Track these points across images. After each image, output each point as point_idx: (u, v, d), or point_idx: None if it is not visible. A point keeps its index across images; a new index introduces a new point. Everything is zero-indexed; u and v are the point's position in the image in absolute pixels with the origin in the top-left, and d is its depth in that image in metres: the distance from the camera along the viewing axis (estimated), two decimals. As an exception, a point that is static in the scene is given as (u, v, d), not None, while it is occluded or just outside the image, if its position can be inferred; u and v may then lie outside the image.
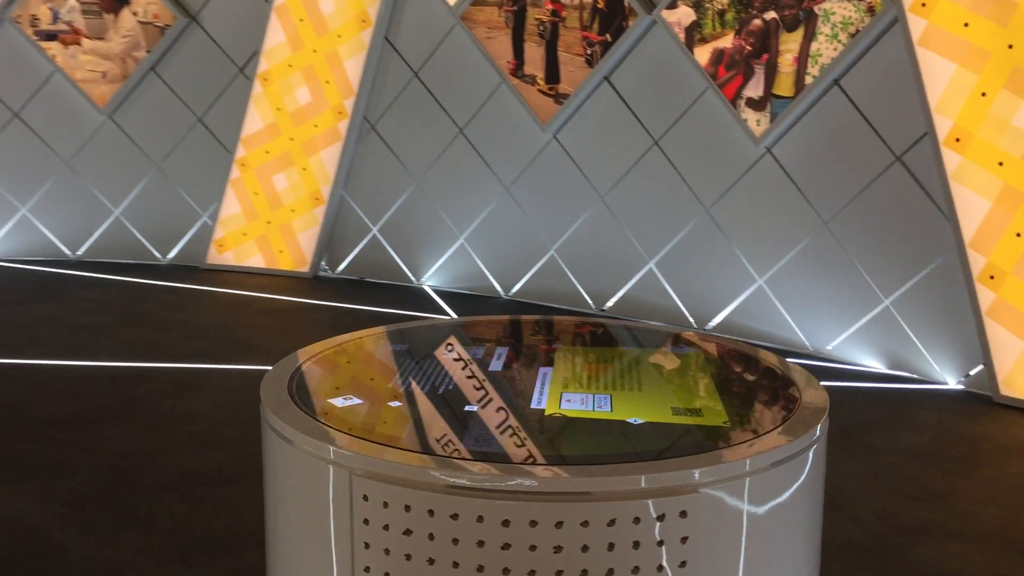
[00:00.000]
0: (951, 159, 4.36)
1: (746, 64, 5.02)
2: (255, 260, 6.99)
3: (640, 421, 1.72)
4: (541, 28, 5.76)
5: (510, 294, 6.28)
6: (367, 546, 1.56)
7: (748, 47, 4.99)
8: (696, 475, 1.50)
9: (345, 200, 6.75)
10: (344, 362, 2.13)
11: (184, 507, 3.11)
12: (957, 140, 4.33)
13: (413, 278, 6.63)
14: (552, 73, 5.76)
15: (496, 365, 2.07)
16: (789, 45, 4.86)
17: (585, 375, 1.99)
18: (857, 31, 4.60)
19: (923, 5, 4.37)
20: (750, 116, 5.04)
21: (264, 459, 1.84)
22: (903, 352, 4.74)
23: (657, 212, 5.56)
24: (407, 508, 1.51)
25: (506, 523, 1.46)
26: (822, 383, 1.95)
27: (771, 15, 4.89)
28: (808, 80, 4.81)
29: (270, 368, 2.03)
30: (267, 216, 6.88)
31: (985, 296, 4.32)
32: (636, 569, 1.48)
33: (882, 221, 4.72)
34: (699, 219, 5.40)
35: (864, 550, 2.93)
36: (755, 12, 4.94)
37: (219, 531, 2.96)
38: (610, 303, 5.88)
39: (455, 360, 2.10)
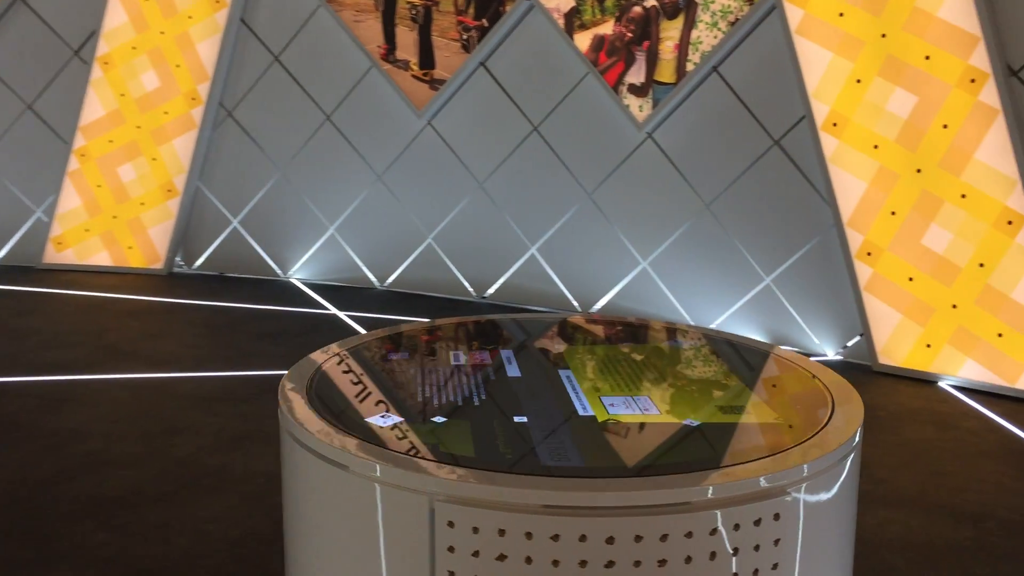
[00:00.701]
0: (829, 143, 4.59)
1: (627, 51, 5.09)
2: (100, 258, 6.52)
3: (696, 423, 1.71)
4: (413, 12, 5.63)
5: (385, 284, 6.14)
6: (451, 575, 1.47)
7: (629, 34, 5.06)
8: (785, 476, 1.50)
9: (201, 191, 6.40)
10: (351, 374, 2.00)
11: (110, 535, 2.86)
12: (834, 124, 4.56)
13: (280, 271, 6.37)
14: (426, 58, 5.65)
15: (512, 370, 2.00)
16: (670, 32, 4.96)
17: (609, 376, 1.95)
18: (736, 19, 4.76)
19: (800, -5, 4.57)
20: (632, 102, 5.12)
21: (295, 487, 1.70)
22: (784, 327, 4.97)
23: (539, 198, 5.57)
24: (501, 532, 1.43)
25: (610, 540, 1.42)
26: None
27: (651, 3, 4.97)
28: (689, 67, 4.93)
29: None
30: (113, 210, 6.42)
31: (863, 272, 4.59)
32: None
33: (762, 203, 4.92)
34: (581, 204, 5.45)
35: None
36: (635, 0, 5.01)
37: (159, 559, 2.74)
38: (491, 290, 5.85)
39: (469, 366, 2.02)
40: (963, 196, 4.26)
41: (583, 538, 1.42)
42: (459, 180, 5.77)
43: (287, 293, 6.03)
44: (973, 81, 4.17)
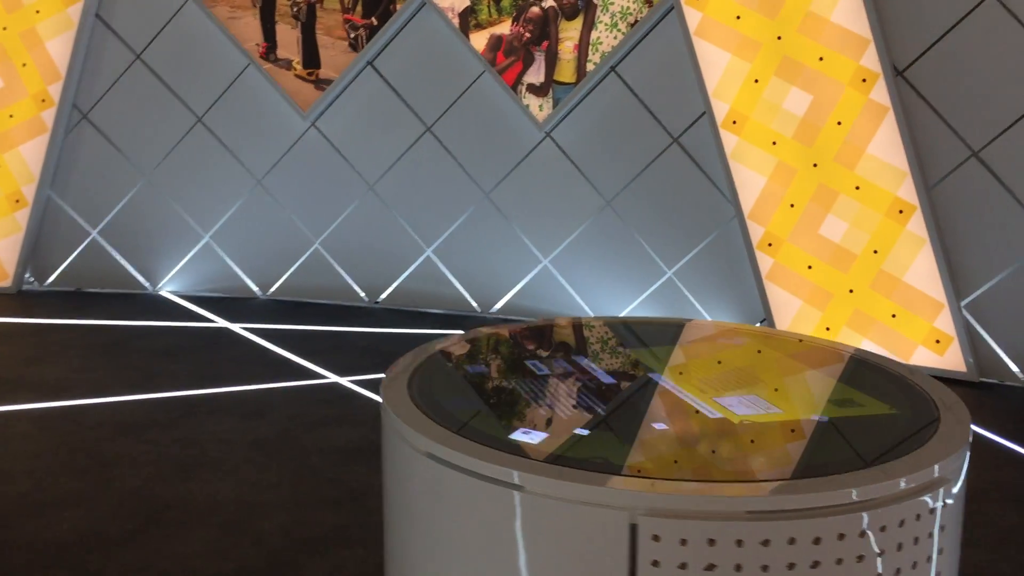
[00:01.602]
0: (729, 140, 4.80)
1: (526, 51, 5.12)
2: (-65, 277, 5.91)
3: (826, 418, 1.76)
4: (295, 10, 5.42)
5: (268, 293, 5.89)
6: (655, 589, 1.45)
7: (527, 34, 5.09)
8: (939, 466, 1.57)
9: (53, 201, 5.91)
10: (450, 390, 1.92)
11: (88, 583, 2.61)
12: (734, 122, 4.77)
13: (148, 284, 5.98)
14: (311, 57, 5.46)
15: (606, 378, 1.98)
16: (569, 33, 5.03)
17: (700, 377, 1.97)
18: (636, 21, 4.88)
19: (698, -2, 4.75)
20: (532, 102, 5.16)
21: (445, 516, 1.62)
22: (687, 316, 5.16)
23: (434, 199, 5.51)
24: (711, 542, 1.42)
25: (817, 541, 1.44)
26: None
27: (550, 4, 5.02)
28: (590, 67, 5.02)
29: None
30: (-51, 224, 5.83)
31: (765, 262, 4.83)
32: (914, 565, 1.53)
33: (662, 199, 5.08)
34: (479, 204, 5.43)
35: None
36: (533, 0, 5.04)
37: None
38: (384, 294, 5.74)
39: (560, 375, 1.98)
40: (857, 188, 4.57)
41: (792, 541, 1.43)
42: (348, 183, 5.62)
43: (162, 307, 5.67)
44: (864, 81, 4.48)
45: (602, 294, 5.31)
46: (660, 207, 5.09)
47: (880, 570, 1.47)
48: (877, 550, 1.46)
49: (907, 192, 4.48)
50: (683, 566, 1.44)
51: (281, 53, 5.50)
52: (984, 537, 2.97)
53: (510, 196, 5.37)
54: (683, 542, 1.43)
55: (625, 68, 4.99)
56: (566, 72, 5.07)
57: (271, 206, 5.76)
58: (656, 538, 1.43)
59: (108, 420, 3.83)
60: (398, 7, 5.26)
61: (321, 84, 5.47)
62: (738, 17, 4.68)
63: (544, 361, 2.09)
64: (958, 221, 4.47)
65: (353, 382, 4.37)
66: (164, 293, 5.96)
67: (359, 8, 5.33)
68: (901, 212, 4.51)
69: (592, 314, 5.35)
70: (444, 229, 5.54)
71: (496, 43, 5.15)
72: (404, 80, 5.41)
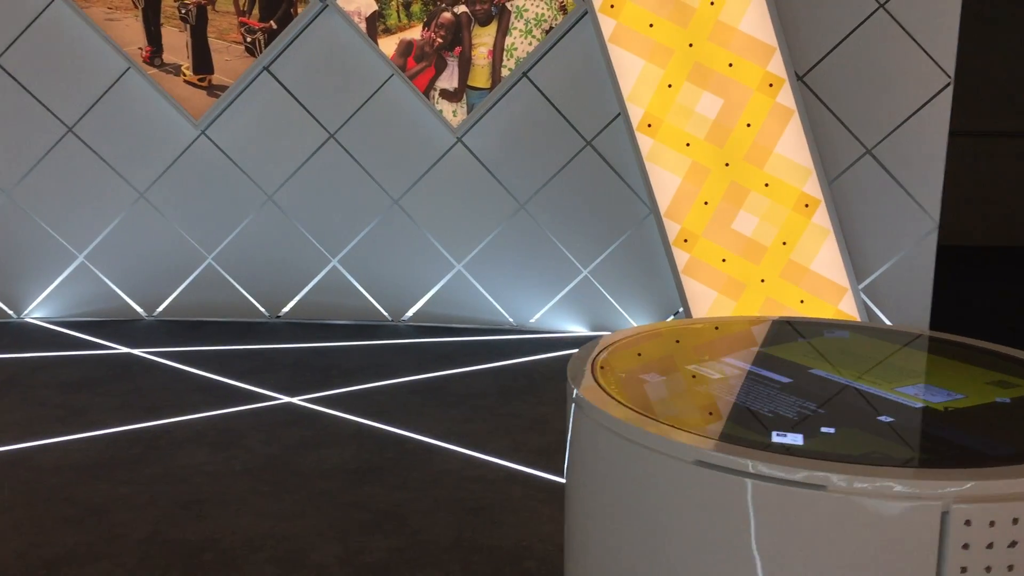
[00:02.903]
0: (645, 142, 5.01)
1: (438, 56, 5.09)
2: None
3: (1007, 399, 1.95)
4: (183, 12, 5.11)
5: (155, 314, 5.52)
6: (963, 570, 1.57)
7: (439, 40, 5.07)
8: None
9: None
10: (664, 403, 1.95)
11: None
12: (649, 126, 4.99)
13: (11, 312, 5.43)
14: (202, 62, 5.16)
15: (780, 377, 2.08)
16: (483, 39, 5.06)
17: (863, 370, 2.11)
18: (551, 28, 4.99)
19: (612, 7, 4.91)
20: (445, 107, 5.14)
21: (734, 524, 1.67)
22: (604, 315, 5.34)
23: (339, 208, 5.37)
24: (1015, 521, 1.56)
25: (1091, 510, 1.61)
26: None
27: (462, 9, 5.02)
28: (505, 73, 5.07)
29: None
30: None
31: (681, 257, 5.09)
32: None
33: (577, 201, 5.22)
34: (388, 212, 5.35)
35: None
36: (444, 5, 5.03)
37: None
38: (287, 308, 5.53)
39: (748, 379, 2.06)
40: (766, 185, 4.91)
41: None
42: (244, 193, 5.36)
43: (33, 336, 5.18)
44: (771, 85, 4.82)
45: (518, 297, 5.38)
46: (574, 209, 5.23)
47: None
48: None
49: (812, 188, 4.87)
50: (990, 546, 1.57)
51: (167, 57, 5.16)
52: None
53: (421, 202, 5.33)
54: (991, 524, 1.56)
55: (539, 73, 5.08)
56: (480, 78, 5.10)
57: (157, 221, 5.39)
58: (968, 523, 1.56)
59: (63, 463, 3.49)
60: (299, 10, 5.08)
61: (214, 91, 5.18)
62: (651, 25, 4.90)
63: (707, 365, 2.16)
64: (856, 212, 4.92)
65: (307, 401, 4.20)
66: (31, 320, 5.44)
67: (255, 11, 5.10)
68: (807, 206, 4.90)
69: (510, 319, 5.41)
70: (351, 238, 5.41)
71: (407, 48, 5.10)
72: (305, 86, 5.23)
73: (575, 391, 1.97)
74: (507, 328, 5.42)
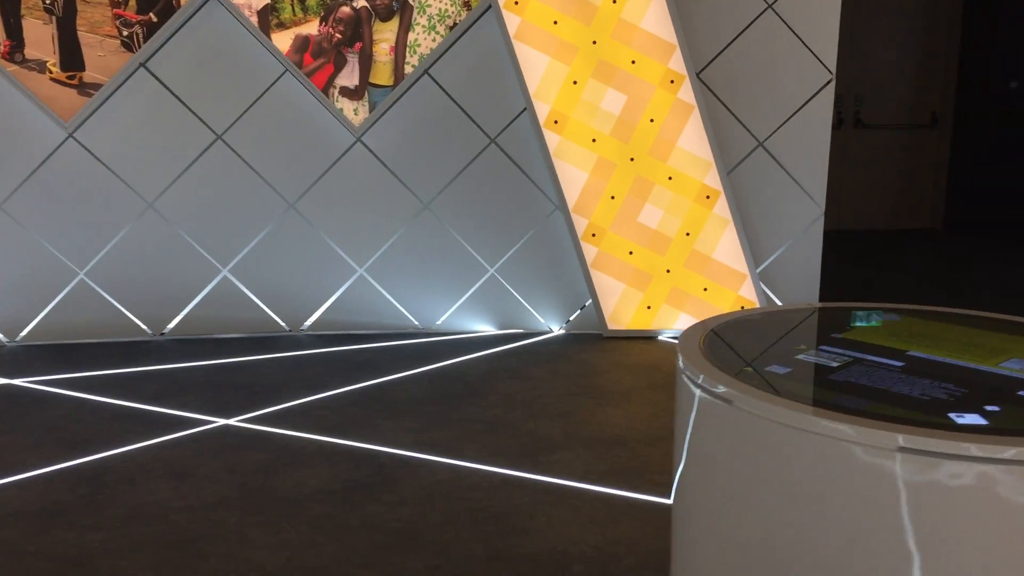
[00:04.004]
0: (552, 139, 5.03)
1: (337, 52, 4.88)
2: None
3: (1108, 368, 2.12)
4: (48, 2, 4.60)
5: (18, 339, 4.95)
6: None
7: (338, 35, 4.85)
8: None
9: None
10: (817, 394, 1.97)
11: None
12: (556, 122, 5.01)
13: None
14: (71, 58, 4.68)
15: (892, 361, 2.16)
16: (385, 35, 4.89)
17: (955, 350, 2.23)
18: (455, 24, 4.90)
19: (516, 3, 4.89)
20: (346, 105, 4.93)
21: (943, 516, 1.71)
22: (511, 312, 5.31)
23: (229, 214, 5.03)
24: None
25: None
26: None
27: (361, 4, 4.84)
28: (408, 70, 4.93)
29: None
30: None
31: (589, 251, 5.15)
32: None
33: (482, 199, 5.16)
34: (283, 217, 5.07)
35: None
36: (343, 0, 4.83)
37: None
38: (172, 324, 5.12)
39: (866, 364, 2.12)
40: (670, 178, 5.07)
41: None
42: (120, 202, 4.92)
43: None
44: (672, 82, 4.98)
45: (423, 298, 5.26)
46: (479, 207, 5.18)
47: None
48: None
49: (712, 180, 5.08)
50: None
51: (30, 52, 4.63)
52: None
53: (319, 205, 5.09)
54: None
55: (442, 70, 4.98)
56: (382, 75, 4.93)
57: (16, 234, 4.84)
58: None
59: (6, 512, 3.07)
60: (182, 2, 4.71)
61: (86, 89, 4.71)
62: (555, 22, 4.92)
63: (810, 353, 2.20)
64: (751, 202, 5.17)
65: (246, 421, 3.92)
66: None
67: (132, 2, 4.67)
68: (708, 197, 5.10)
69: (416, 322, 5.28)
70: (242, 246, 5.09)
71: (303, 44, 4.84)
72: (188, 84, 4.86)
73: (732, 393, 1.95)
74: (413, 332, 5.28)
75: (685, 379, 2.13)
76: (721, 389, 1.98)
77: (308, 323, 5.23)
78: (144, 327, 5.09)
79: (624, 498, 3.22)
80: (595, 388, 4.39)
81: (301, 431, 3.81)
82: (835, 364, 2.15)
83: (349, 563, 2.77)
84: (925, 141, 9.08)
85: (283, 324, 5.22)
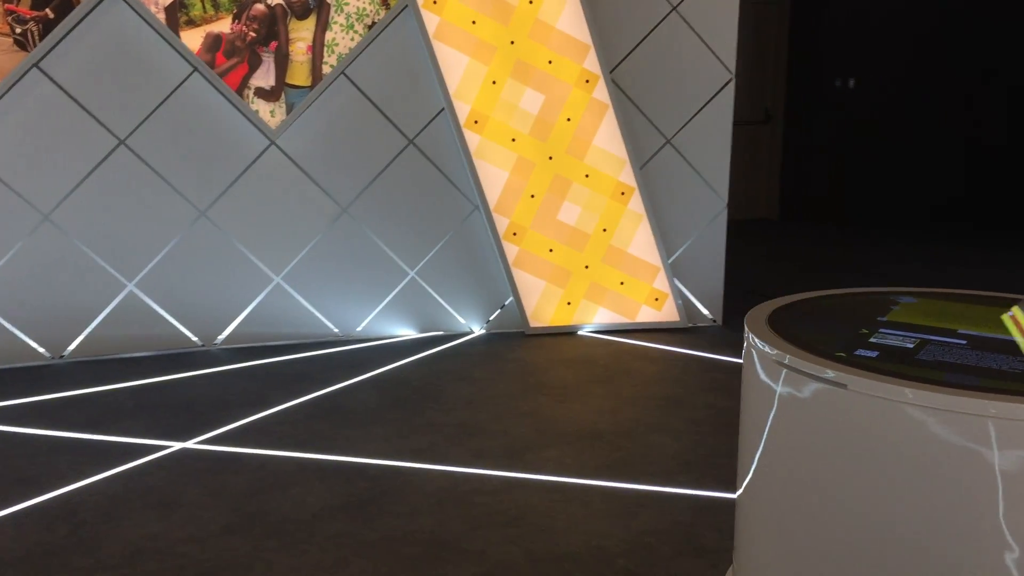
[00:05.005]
0: (472, 139, 5.02)
1: (251, 52, 4.66)
2: None
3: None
4: (-73, -5, 4.15)
5: None
6: None
7: (252, 34, 4.64)
8: None
9: None
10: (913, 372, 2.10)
11: None
12: (476, 122, 5.01)
13: None
14: (-45, 58, 4.23)
15: (950, 340, 2.33)
16: (301, 33, 4.72)
17: (983, 326, 2.43)
18: (374, 23, 4.79)
19: (434, 3, 4.85)
20: (262, 107, 4.72)
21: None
22: (431, 315, 5.26)
23: (134, 224, 4.71)
24: None
25: None
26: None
27: (276, 1, 4.64)
28: (326, 70, 4.78)
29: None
30: None
31: (511, 250, 5.18)
32: None
33: (400, 201, 5.08)
34: (193, 225, 4.80)
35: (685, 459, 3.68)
36: (257, -4, 4.61)
37: None
38: (72, 346, 4.73)
39: (936, 344, 2.27)
40: (587, 176, 5.18)
41: None
42: (13, 214, 4.51)
43: None
44: (588, 82, 5.08)
45: (343, 305, 5.12)
46: (398, 210, 5.09)
47: None
48: None
49: (627, 176, 5.22)
50: None
51: (-93, 52, 4.16)
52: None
53: (232, 213, 4.85)
54: None
55: (360, 71, 4.86)
56: (300, 75, 4.76)
57: None
58: None
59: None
60: (82, -2, 4.37)
61: (-27, 92, 4.28)
62: (474, 22, 4.91)
63: (878, 335, 2.34)
64: (661, 197, 5.36)
65: (206, 443, 3.69)
66: None
67: (26, -3, 4.29)
68: (623, 194, 5.24)
69: (336, 329, 5.13)
70: (149, 258, 4.77)
71: (215, 43, 4.60)
72: (86, 86, 4.51)
73: (843, 378, 2.04)
74: (334, 340, 5.13)
75: (767, 367, 2.19)
76: (831, 375, 2.08)
77: (222, 337, 4.98)
78: (41, 350, 4.68)
79: (629, 491, 3.28)
80: (544, 386, 4.43)
81: (270, 449, 3.63)
82: (910, 345, 2.30)
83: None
84: (760, 136, 9.68)
85: (195, 339, 4.93)
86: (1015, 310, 2.47)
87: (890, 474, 2.01)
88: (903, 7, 8.93)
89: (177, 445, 3.68)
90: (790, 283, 6.63)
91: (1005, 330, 2.36)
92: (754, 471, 2.43)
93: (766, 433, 2.34)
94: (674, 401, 4.22)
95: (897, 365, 2.19)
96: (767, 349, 2.21)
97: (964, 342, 2.32)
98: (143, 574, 2.70)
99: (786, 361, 2.18)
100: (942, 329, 2.43)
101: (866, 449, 2.04)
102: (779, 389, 2.25)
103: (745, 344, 2.42)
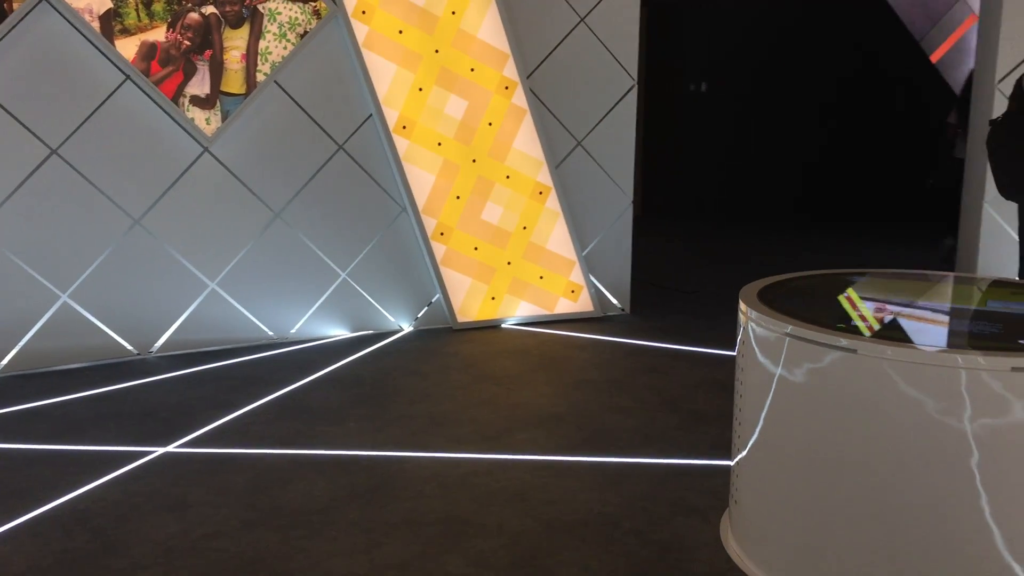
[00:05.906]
0: (401, 143, 5.21)
1: (186, 60, 4.68)
2: None
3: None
4: None
5: None
6: None
7: (187, 42, 4.67)
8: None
9: None
10: (930, 337, 2.50)
11: None
12: (404, 127, 5.20)
13: None
14: None
15: (945, 307, 2.76)
16: (235, 42, 4.77)
17: (969, 299, 2.89)
18: (306, 32, 4.91)
19: (363, 13, 5.01)
20: (197, 115, 4.75)
21: None
22: (363, 314, 5.41)
23: (66, 234, 4.65)
24: None
25: None
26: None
27: (210, 10, 4.69)
28: (260, 78, 4.86)
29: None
30: None
31: (439, 249, 5.40)
32: None
33: (331, 205, 5.21)
34: (127, 233, 4.78)
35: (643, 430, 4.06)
36: (191, 5, 4.64)
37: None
38: (6, 360, 4.62)
39: (945, 312, 2.70)
40: (508, 177, 5.46)
41: None
42: (-58, 228, 4.37)
43: None
44: (507, 88, 5.37)
45: (277, 308, 5.20)
46: (329, 213, 5.22)
47: None
48: None
49: (544, 177, 5.55)
50: None
51: None
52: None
53: (166, 220, 4.86)
54: None
55: (291, 78, 4.97)
56: (234, 83, 4.82)
57: None
58: None
59: (24, 568, 2.78)
60: (15, 6, 4.29)
61: (-100, 102, 4.13)
62: (400, 32, 5.11)
63: (883, 312, 2.76)
64: (574, 195, 5.71)
65: (186, 447, 3.75)
66: None
67: (-45, 4, 4.18)
68: (541, 193, 5.56)
69: (270, 332, 5.21)
70: (83, 268, 4.72)
71: (150, 51, 4.60)
72: (15, 94, 4.43)
73: (857, 343, 2.43)
74: (268, 343, 5.21)
75: (769, 341, 2.54)
76: (844, 343, 2.46)
77: (158, 344, 4.97)
78: (-28, 366, 4.55)
79: (610, 463, 3.60)
80: (492, 376, 4.69)
81: (256, 448, 3.74)
82: (890, 318, 2.71)
83: (428, 555, 2.89)
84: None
85: (131, 348, 4.91)
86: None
87: (896, 431, 2.39)
88: (749, 23, 9.68)
89: (159, 450, 3.72)
90: (683, 274, 7.15)
91: (964, 301, 2.81)
92: (756, 436, 2.78)
93: (770, 397, 2.70)
94: (615, 384, 4.58)
95: (894, 331, 2.59)
96: (787, 328, 2.54)
97: (941, 312, 2.75)
98: (183, 569, 2.80)
99: (788, 331, 2.54)
100: (908, 303, 2.86)
101: (872, 409, 2.42)
102: (783, 359, 2.61)
103: (743, 321, 2.78)
